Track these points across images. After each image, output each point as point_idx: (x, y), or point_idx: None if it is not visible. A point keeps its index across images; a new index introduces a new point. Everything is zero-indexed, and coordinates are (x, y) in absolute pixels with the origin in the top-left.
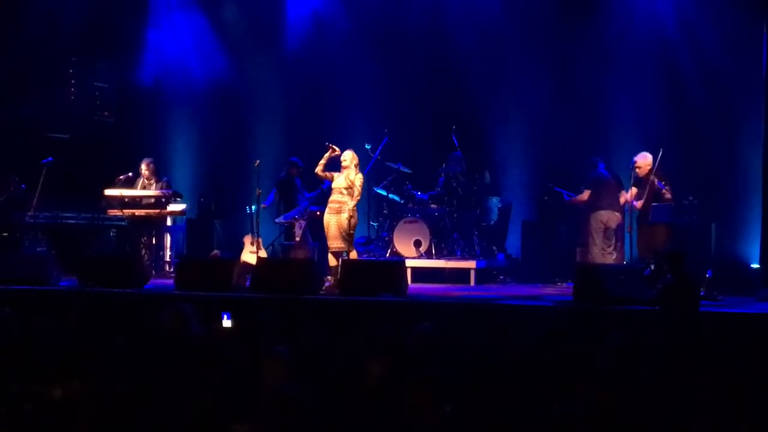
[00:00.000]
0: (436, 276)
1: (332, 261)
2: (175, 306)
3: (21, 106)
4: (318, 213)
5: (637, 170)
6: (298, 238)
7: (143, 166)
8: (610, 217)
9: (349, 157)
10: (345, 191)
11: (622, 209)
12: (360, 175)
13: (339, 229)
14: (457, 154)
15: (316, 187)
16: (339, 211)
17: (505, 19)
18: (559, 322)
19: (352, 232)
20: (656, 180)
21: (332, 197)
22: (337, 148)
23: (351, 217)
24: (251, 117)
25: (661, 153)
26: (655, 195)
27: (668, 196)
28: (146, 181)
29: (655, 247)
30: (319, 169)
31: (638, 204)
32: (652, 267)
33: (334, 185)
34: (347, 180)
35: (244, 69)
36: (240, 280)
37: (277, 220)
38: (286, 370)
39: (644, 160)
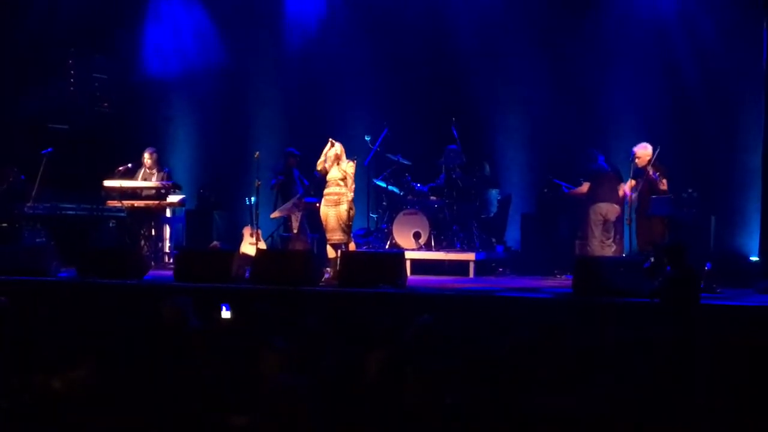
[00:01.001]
0: (436, 268)
1: (331, 253)
2: (173, 300)
3: (21, 97)
4: (317, 204)
5: (637, 161)
6: (295, 230)
7: (146, 155)
8: (609, 210)
9: (339, 148)
10: (341, 182)
11: (622, 201)
12: (351, 163)
13: (338, 220)
14: (453, 147)
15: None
16: (337, 203)
17: (505, 12)
18: (558, 315)
19: (350, 223)
20: (651, 171)
21: (329, 189)
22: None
23: (350, 208)
24: (251, 108)
25: (658, 150)
26: (651, 186)
27: (664, 187)
28: (148, 171)
29: (653, 240)
30: (321, 167)
31: (633, 195)
32: (652, 260)
33: (329, 177)
34: (341, 171)
35: (243, 60)
36: (239, 271)
37: (271, 216)
38: (284, 362)
39: (644, 151)
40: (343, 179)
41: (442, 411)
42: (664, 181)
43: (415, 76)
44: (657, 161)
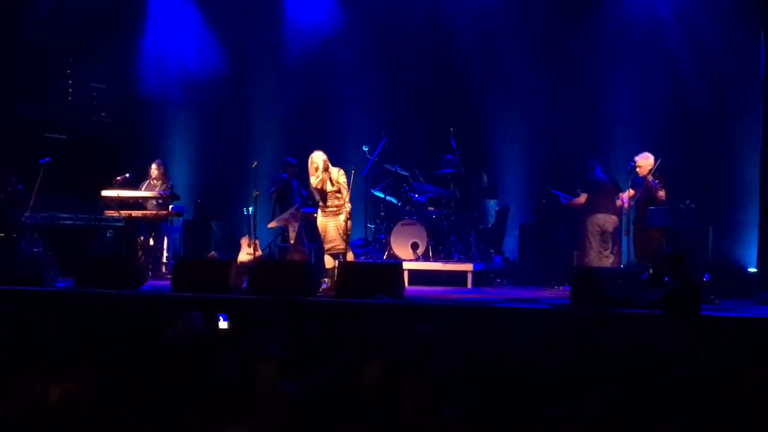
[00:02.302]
0: (434, 279)
1: (329, 263)
2: (187, 316)
3: (19, 106)
4: (315, 215)
5: (638, 170)
6: (292, 241)
7: (153, 166)
8: (606, 221)
9: (321, 158)
10: (338, 194)
11: (620, 212)
12: (341, 172)
13: (337, 230)
14: (449, 157)
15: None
16: (337, 213)
17: (504, 22)
18: (556, 326)
19: (349, 233)
20: (651, 179)
21: (328, 202)
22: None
23: (348, 218)
24: (249, 118)
25: (659, 161)
26: (649, 196)
27: (661, 195)
28: (154, 182)
29: (651, 250)
30: (321, 186)
31: (631, 203)
32: (651, 271)
33: (327, 190)
34: (334, 183)
35: (242, 70)
36: (237, 281)
37: (268, 226)
38: (281, 372)
39: (645, 160)
40: (339, 191)
41: (439, 422)
42: (663, 191)
43: (414, 86)
44: (657, 171)
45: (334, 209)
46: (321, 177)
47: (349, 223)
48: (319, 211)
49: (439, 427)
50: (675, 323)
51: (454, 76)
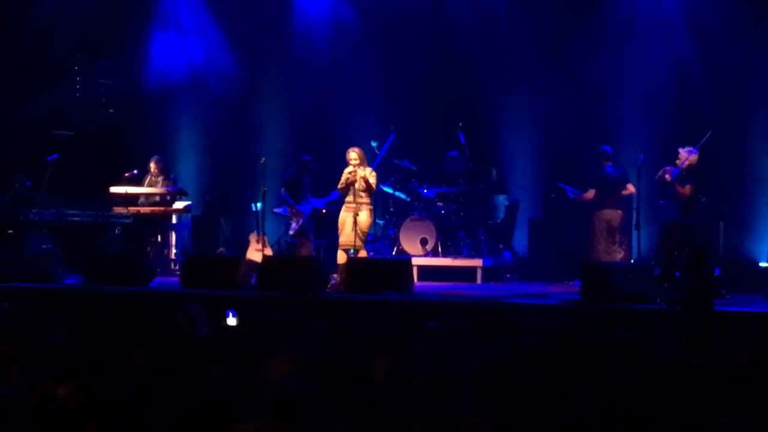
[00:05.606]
0: (443, 274)
1: (341, 258)
2: (185, 307)
3: (26, 103)
4: (324, 211)
5: (677, 161)
6: (291, 232)
7: (151, 165)
8: (612, 216)
9: (360, 155)
10: (363, 193)
11: (628, 206)
12: (374, 173)
13: (355, 226)
14: (452, 154)
15: (324, 193)
16: (358, 211)
17: (511, 15)
18: (566, 321)
19: (366, 231)
20: (670, 168)
21: (349, 197)
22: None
23: (369, 214)
24: (257, 114)
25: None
26: (665, 186)
27: (684, 190)
28: (153, 179)
29: (670, 246)
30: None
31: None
32: (664, 266)
33: (356, 185)
34: (362, 182)
35: (250, 66)
36: (245, 278)
37: (275, 210)
38: (290, 369)
39: (688, 155)
40: (365, 190)
41: (447, 418)
42: (689, 187)
43: (422, 82)
44: (694, 168)
45: (355, 206)
46: (350, 178)
47: (369, 219)
48: (344, 205)
49: (446, 425)
50: (690, 320)
51: (463, 71)
